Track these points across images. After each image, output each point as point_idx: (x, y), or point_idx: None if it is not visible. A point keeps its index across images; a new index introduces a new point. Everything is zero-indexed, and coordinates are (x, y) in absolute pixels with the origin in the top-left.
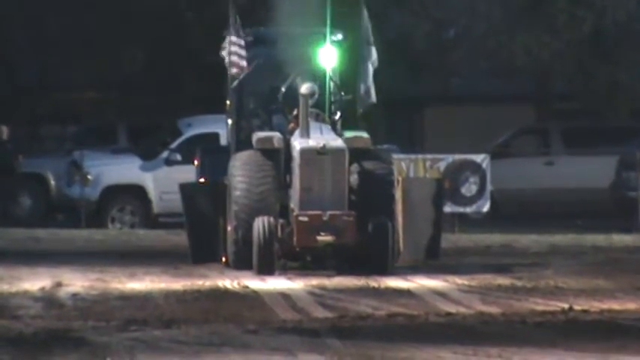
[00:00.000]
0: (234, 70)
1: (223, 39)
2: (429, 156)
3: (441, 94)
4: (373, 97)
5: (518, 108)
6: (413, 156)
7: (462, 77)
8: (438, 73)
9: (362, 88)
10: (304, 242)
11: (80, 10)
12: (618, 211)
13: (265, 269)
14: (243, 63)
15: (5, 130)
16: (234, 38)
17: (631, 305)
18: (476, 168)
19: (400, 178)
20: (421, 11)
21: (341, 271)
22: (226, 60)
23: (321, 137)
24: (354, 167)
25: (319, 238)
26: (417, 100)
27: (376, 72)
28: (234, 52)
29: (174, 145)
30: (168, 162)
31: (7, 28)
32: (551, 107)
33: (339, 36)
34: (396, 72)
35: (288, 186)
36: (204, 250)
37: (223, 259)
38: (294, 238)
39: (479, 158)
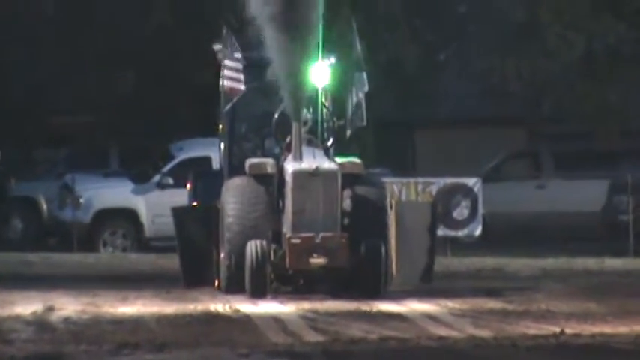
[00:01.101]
0: (230, 93)
1: (214, 57)
2: (420, 180)
3: (432, 117)
4: (364, 120)
5: (510, 131)
6: (405, 180)
7: (453, 100)
8: (429, 96)
9: (350, 111)
10: (296, 265)
11: (72, 33)
12: (610, 234)
13: (258, 292)
14: (241, 86)
15: None
16: (228, 62)
17: (622, 329)
18: (467, 192)
19: (393, 202)
20: (412, 35)
21: (333, 294)
22: (223, 86)
23: (314, 160)
24: (347, 192)
25: (311, 260)
26: (408, 123)
27: (367, 95)
28: (228, 76)
29: (166, 168)
30: (161, 186)
31: None
32: (542, 131)
33: (332, 59)
34: (387, 95)
35: (280, 211)
36: (196, 274)
37: (216, 282)
38: (287, 261)
39: (470, 182)
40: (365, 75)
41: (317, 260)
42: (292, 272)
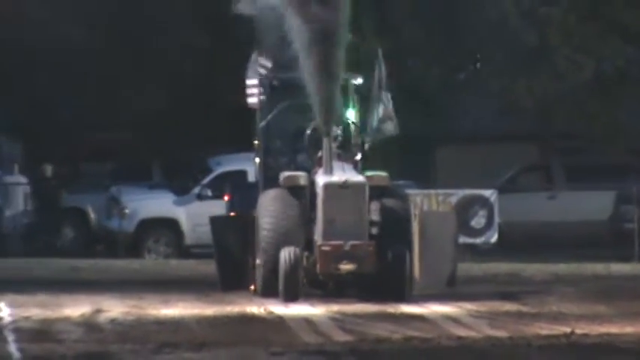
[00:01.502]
0: (251, 107)
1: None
2: (440, 191)
3: (451, 134)
4: (397, 129)
5: (523, 146)
6: (426, 191)
7: (471, 118)
8: (449, 114)
9: (376, 122)
10: (327, 270)
11: (114, 58)
12: (616, 241)
13: (290, 296)
14: (255, 100)
15: (49, 168)
16: (248, 81)
17: (629, 329)
18: (484, 202)
19: (417, 212)
20: (434, 57)
21: (361, 298)
22: (252, 103)
23: (343, 174)
24: (374, 203)
25: (341, 266)
26: (429, 139)
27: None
28: (249, 93)
29: (205, 181)
30: (200, 197)
31: (45, 74)
32: (553, 145)
33: (360, 80)
34: (410, 113)
35: (312, 221)
36: (232, 279)
37: (252, 287)
38: (318, 266)
39: (487, 193)
40: (389, 94)
41: (346, 266)
42: (323, 277)
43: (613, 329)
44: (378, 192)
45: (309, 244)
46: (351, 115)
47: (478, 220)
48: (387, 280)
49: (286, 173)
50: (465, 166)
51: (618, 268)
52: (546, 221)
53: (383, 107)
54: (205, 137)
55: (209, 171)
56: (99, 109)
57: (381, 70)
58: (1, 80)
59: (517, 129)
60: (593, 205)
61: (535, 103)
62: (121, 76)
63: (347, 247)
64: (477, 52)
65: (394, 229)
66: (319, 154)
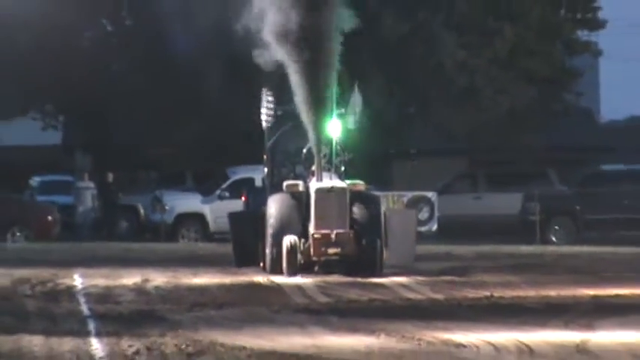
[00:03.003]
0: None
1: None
2: (395, 193)
3: (404, 151)
4: (355, 124)
5: (456, 160)
6: (384, 193)
7: (419, 139)
8: (402, 136)
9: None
10: (318, 253)
11: (163, 91)
12: (523, 230)
13: (291, 272)
14: (264, 124)
15: (110, 175)
16: (266, 111)
17: (532, 293)
18: (427, 201)
19: (386, 212)
20: (390, 95)
21: (343, 274)
22: (264, 124)
23: (330, 182)
24: (354, 204)
25: (329, 250)
26: (388, 155)
27: (359, 134)
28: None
29: (224, 186)
30: (220, 197)
31: (110, 105)
32: (478, 159)
33: (342, 110)
34: (374, 136)
35: (307, 216)
36: (243, 259)
37: (261, 265)
38: (311, 250)
39: (430, 194)
40: (360, 98)
41: (332, 250)
42: (315, 258)
43: (521, 293)
44: (356, 195)
45: (305, 234)
46: (338, 131)
47: (423, 214)
48: (363, 260)
49: (288, 182)
50: (413, 174)
51: (525, 248)
52: (473, 215)
53: (352, 103)
54: (226, 153)
55: (227, 178)
56: (149, 132)
57: (356, 102)
58: (78, 109)
59: (452, 148)
60: (507, 203)
61: (465, 129)
62: (166, 108)
63: (333, 236)
64: (423, 91)
65: (368, 222)
66: (313, 167)
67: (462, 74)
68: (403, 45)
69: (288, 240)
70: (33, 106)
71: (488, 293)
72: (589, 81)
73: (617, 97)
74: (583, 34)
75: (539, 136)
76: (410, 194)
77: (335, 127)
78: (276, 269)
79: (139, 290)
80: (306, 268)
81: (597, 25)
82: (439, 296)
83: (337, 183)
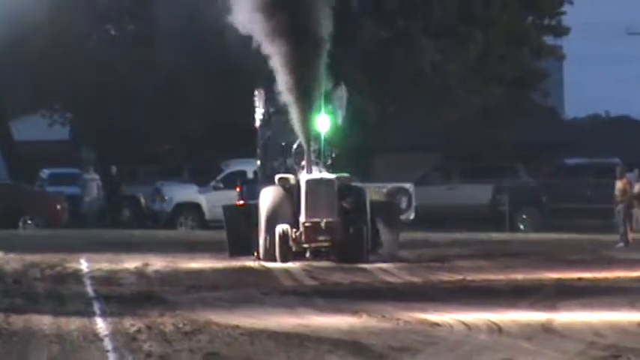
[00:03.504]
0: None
1: (253, 105)
2: (377, 184)
3: (385, 146)
4: (342, 120)
5: (432, 154)
6: (366, 184)
7: (398, 136)
8: (384, 133)
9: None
10: (309, 240)
11: (164, 92)
12: (494, 218)
13: (283, 258)
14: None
15: (114, 168)
16: (260, 110)
17: (501, 276)
18: (406, 191)
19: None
20: (373, 96)
21: (332, 259)
22: (257, 122)
23: (319, 174)
24: (341, 194)
25: (319, 237)
26: (370, 149)
27: (344, 130)
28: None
29: (218, 178)
30: (215, 188)
31: (114, 104)
32: (452, 154)
33: (330, 107)
34: (358, 133)
35: (298, 207)
36: (236, 248)
37: (255, 253)
38: (303, 238)
39: (407, 185)
40: (346, 95)
41: (322, 237)
42: (307, 245)
43: (491, 277)
44: (344, 186)
45: (296, 223)
46: (326, 127)
47: (401, 204)
48: (350, 247)
49: (280, 175)
50: (393, 167)
51: (495, 235)
52: (447, 204)
53: (338, 101)
54: (221, 148)
55: (221, 171)
56: (150, 128)
57: (343, 99)
58: (85, 107)
59: (428, 143)
60: (478, 194)
61: (440, 126)
62: (167, 107)
63: (323, 224)
64: (402, 91)
65: (355, 212)
66: (303, 161)
67: (437, 76)
68: (384, 49)
69: (281, 228)
70: (43, 104)
71: (461, 277)
72: (554, 82)
73: (580, 97)
74: (548, 39)
75: (508, 133)
76: (389, 185)
77: (324, 123)
78: (269, 256)
79: (140, 274)
80: (297, 255)
81: (562, 31)
82: (417, 279)
83: (326, 175)
